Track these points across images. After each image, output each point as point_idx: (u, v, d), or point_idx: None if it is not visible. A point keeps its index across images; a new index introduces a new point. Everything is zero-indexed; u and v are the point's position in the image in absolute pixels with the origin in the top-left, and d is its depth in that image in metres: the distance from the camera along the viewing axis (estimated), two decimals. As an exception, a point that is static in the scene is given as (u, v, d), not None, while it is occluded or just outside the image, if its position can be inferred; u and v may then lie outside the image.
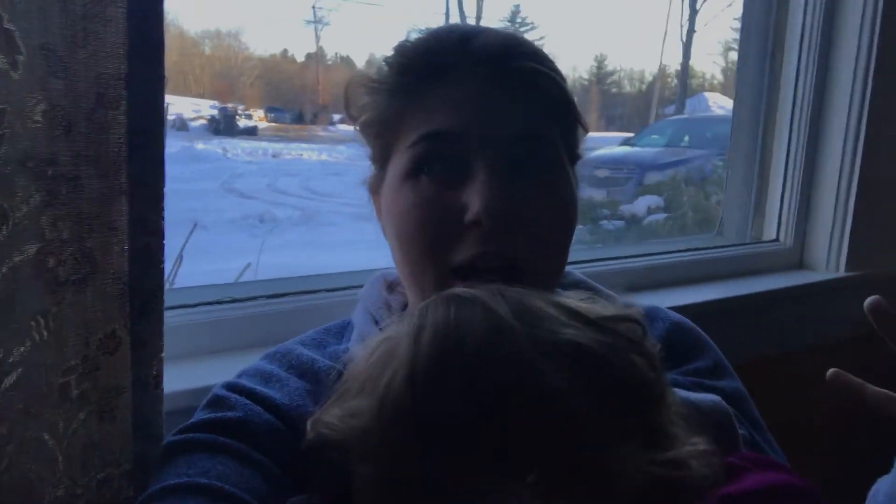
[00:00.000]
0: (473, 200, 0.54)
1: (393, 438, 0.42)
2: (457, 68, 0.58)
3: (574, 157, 0.63)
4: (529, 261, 0.56)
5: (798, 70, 1.29)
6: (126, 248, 0.54)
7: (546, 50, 0.62)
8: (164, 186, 0.56)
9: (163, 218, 0.57)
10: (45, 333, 0.50)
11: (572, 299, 0.49)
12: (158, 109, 0.55)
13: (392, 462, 0.43)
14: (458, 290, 0.47)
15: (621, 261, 1.14)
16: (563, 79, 0.61)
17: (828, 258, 1.33)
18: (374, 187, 0.64)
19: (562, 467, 0.41)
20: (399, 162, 0.59)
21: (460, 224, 0.55)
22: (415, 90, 0.58)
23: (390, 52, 0.61)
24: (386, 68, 0.61)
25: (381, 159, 0.62)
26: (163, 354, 0.59)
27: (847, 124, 1.28)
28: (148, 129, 0.55)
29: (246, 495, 0.49)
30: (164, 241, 0.57)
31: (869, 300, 0.57)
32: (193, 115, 3.76)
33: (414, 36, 0.61)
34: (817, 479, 0.54)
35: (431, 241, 0.56)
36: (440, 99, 0.57)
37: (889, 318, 0.56)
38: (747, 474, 0.48)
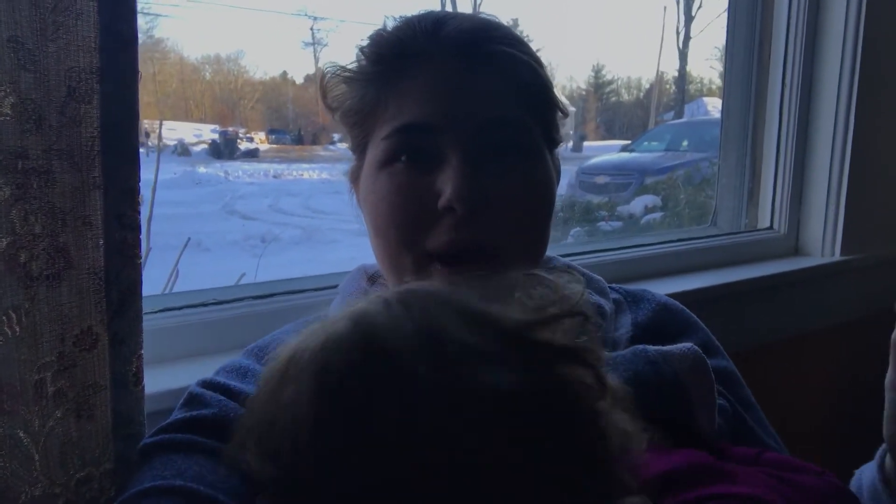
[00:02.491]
0: (446, 186, 0.54)
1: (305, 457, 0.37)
2: (429, 55, 0.58)
3: (552, 141, 0.63)
4: (504, 246, 0.56)
5: (786, 58, 1.29)
6: (101, 242, 0.54)
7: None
8: (139, 181, 0.56)
9: (139, 213, 0.56)
10: (18, 329, 0.50)
11: (495, 305, 0.41)
12: (132, 104, 0.55)
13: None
14: (357, 309, 0.41)
15: (617, 252, 1.14)
16: (538, 63, 0.61)
17: (823, 243, 1.32)
18: (354, 175, 0.64)
19: None
20: (375, 151, 0.59)
21: (434, 210, 0.55)
22: (389, 79, 0.59)
23: (365, 41, 0.61)
24: (361, 57, 0.61)
25: (360, 148, 0.62)
26: (142, 351, 0.58)
27: (836, 109, 1.28)
28: (122, 123, 0.55)
29: (222, 496, 0.49)
30: (142, 236, 0.57)
31: None
32: (195, 139, 3.80)
33: (390, 24, 0.62)
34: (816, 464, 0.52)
35: (406, 226, 0.56)
36: (413, 88, 0.57)
37: None
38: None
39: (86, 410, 0.54)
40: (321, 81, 0.64)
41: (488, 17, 0.62)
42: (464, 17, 0.60)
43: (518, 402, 0.37)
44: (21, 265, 0.50)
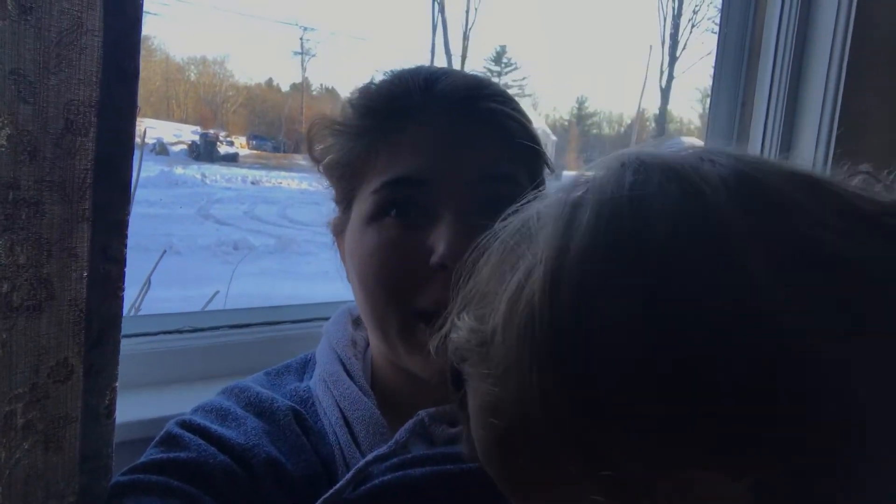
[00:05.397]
0: (439, 243, 0.53)
1: (519, 364, 0.29)
2: (421, 111, 0.57)
3: None
4: None
5: (768, 109, 1.33)
6: (85, 274, 0.54)
7: (528, 90, 0.63)
8: (128, 214, 0.56)
9: (125, 246, 0.56)
10: (-6, 360, 0.49)
11: (832, 178, 0.33)
12: (129, 137, 0.55)
13: (514, 400, 0.30)
14: (639, 149, 0.33)
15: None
16: (528, 120, 0.61)
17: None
18: (338, 229, 0.63)
19: (798, 464, 0.26)
20: (363, 205, 0.58)
21: (425, 267, 0.54)
22: (378, 133, 0.58)
23: (354, 94, 0.61)
24: (350, 110, 0.60)
25: (346, 201, 0.61)
26: (116, 384, 0.58)
27: (814, 160, 1.32)
28: (116, 156, 0.54)
29: None
30: (126, 269, 0.57)
31: None
32: (174, 139, 3.77)
33: (378, 78, 0.62)
34: None
35: (395, 283, 0.55)
36: (404, 142, 0.57)
37: None
38: None
39: (54, 443, 0.54)
40: (308, 132, 0.63)
41: (478, 75, 0.63)
42: (455, 73, 0.60)
43: (864, 279, 0.28)
44: (2, 296, 0.49)
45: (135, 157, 0.56)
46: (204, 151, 3.42)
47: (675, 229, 0.28)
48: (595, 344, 0.27)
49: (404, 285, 0.55)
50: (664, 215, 0.28)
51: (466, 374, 0.34)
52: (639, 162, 0.31)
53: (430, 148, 0.56)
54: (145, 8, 0.56)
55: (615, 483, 0.27)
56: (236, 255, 2.78)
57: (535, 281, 0.29)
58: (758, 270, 0.27)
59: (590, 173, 0.33)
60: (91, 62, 0.51)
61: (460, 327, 0.34)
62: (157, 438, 0.56)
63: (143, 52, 0.57)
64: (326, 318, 0.70)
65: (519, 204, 0.38)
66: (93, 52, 0.51)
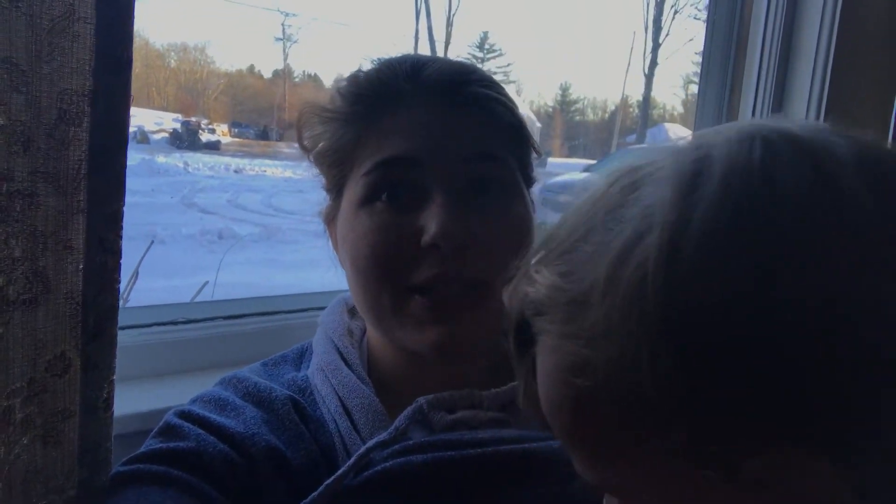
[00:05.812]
0: (430, 223, 0.54)
1: (623, 328, 0.27)
2: (409, 96, 0.58)
3: (528, 179, 0.64)
4: (489, 280, 0.56)
5: (755, 100, 1.35)
6: (81, 267, 0.53)
7: (513, 76, 0.63)
8: (123, 205, 0.55)
9: (121, 237, 0.56)
10: (-10, 354, 0.49)
11: None
12: (123, 127, 0.54)
13: (606, 362, 0.28)
14: (759, 121, 0.33)
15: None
16: (514, 104, 0.62)
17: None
18: (330, 217, 0.64)
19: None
20: (354, 190, 0.59)
21: (417, 247, 0.55)
22: (368, 119, 0.59)
23: (342, 82, 0.62)
24: (339, 97, 0.61)
25: (336, 188, 0.62)
26: (114, 377, 0.57)
27: None
28: (111, 146, 0.54)
29: None
30: (122, 261, 0.56)
31: None
32: (155, 127, 3.71)
33: (366, 66, 0.62)
34: None
35: (388, 264, 0.56)
36: (394, 126, 0.58)
37: None
38: None
39: (52, 437, 0.53)
40: (298, 121, 0.63)
41: (466, 62, 0.64)
42: (443, 60, 0.62)
43: None
44: (-2, 290, 0.48)
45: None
46: (186, 139, 3.37)
47: (807, 215, 0.27)
48: (709, 321, 0.26)
49: (397, 265, 0.56)
50: (796, 197, 0.27)
51: (541, 329, 0.32)
52: (763, 135, 0.30)
53: (419, 130, 0.57)
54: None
55: (707, 452, 0.27)
56: (221, 244, 2.76)
57: (649, 246, 0.27)
58: (891, 267, 0.26)
59: (709, 139, 0.31)
60: (84, 50, 0.50)
61: (538, 281, 0.32)
62: (156, 429, 0.56)
63: (122, 39, 0.56)
64: (322, 308, 0.70)
65: (596, 162, 0.38)
66: (85, 40, 0.50)
